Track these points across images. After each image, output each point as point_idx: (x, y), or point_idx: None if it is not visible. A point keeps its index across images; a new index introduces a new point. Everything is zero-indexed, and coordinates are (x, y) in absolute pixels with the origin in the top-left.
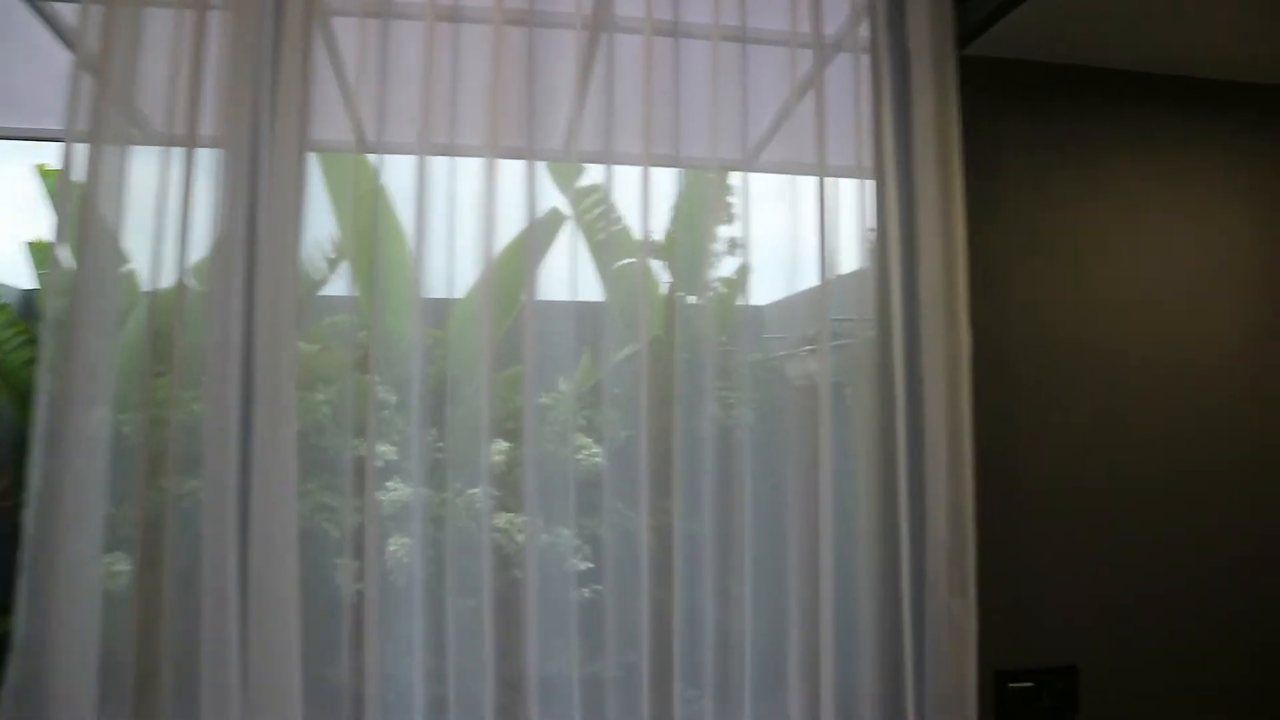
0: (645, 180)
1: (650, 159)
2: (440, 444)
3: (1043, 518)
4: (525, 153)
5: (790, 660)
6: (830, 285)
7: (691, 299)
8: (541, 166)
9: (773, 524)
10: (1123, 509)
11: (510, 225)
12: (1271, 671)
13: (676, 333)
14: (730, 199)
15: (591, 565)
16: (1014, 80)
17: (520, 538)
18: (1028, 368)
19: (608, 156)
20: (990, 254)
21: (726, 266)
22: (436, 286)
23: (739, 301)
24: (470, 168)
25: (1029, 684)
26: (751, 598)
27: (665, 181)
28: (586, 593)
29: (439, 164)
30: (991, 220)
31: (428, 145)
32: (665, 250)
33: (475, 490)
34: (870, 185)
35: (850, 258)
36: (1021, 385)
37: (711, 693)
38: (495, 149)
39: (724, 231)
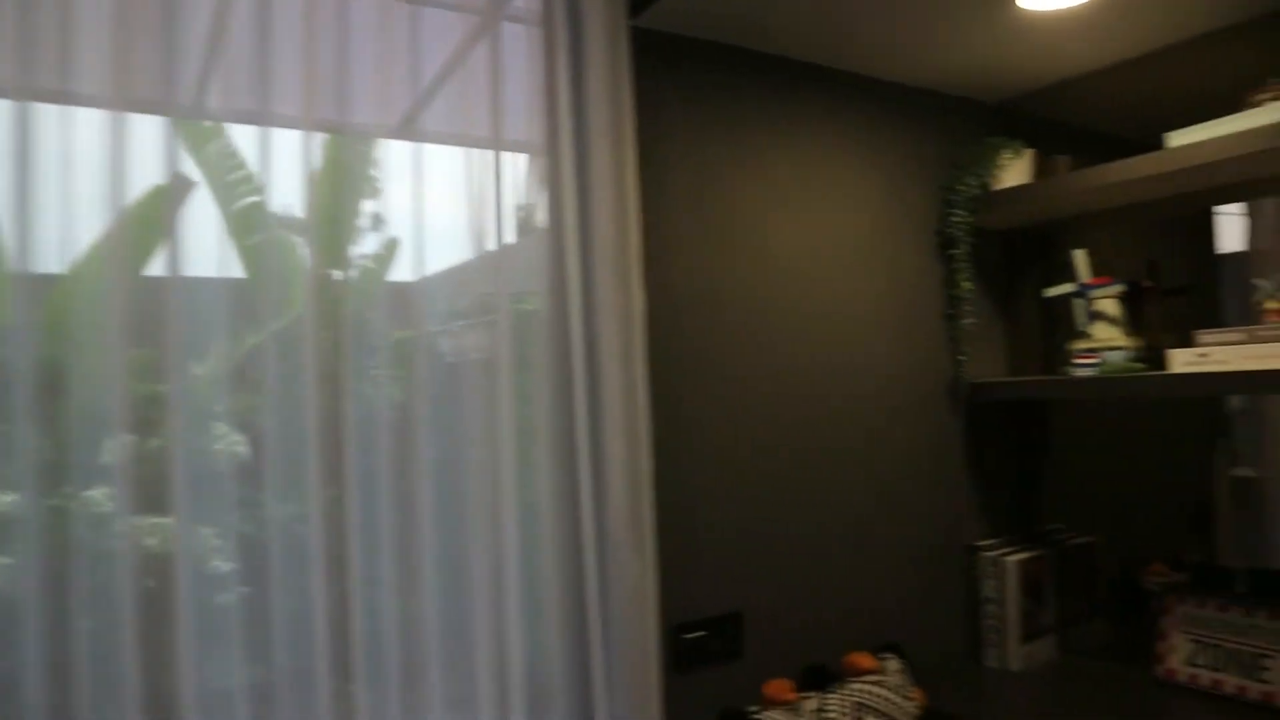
0: (290, 145)
1: (297, 122)
2: (50, 441)
3: (710, 474)
4: (157, 106)
5: (478, 641)
6: (496, 257)
7: (339, 274)
8: (173, 124)
9: (450, 505)
10: (777, 463)
11: (137, 190)
12: (905, 596)
13: (324, 311)
14: (379, 169)
15: (239, 565)
16: (680, 56)
17: (154, 541)
18: (695, 335)
19: (247, 116)
20: (659, 227)
21: (375, 240)
22: (46, 260)
23: (390, 276)
24: (90, 120)
25: (702, 633)
26: (432, 583)
27: (312, 148)
28: (236, 595)
29: (46, 113)
30: (659, 194)
31: (31, 89)
32: (309, 223)
33: (95, 492)
34: (525, 159)
35: (511, 231)
36: (690, 351)
37: (396, 684)
38: (121, 100)
39: (373, 204)
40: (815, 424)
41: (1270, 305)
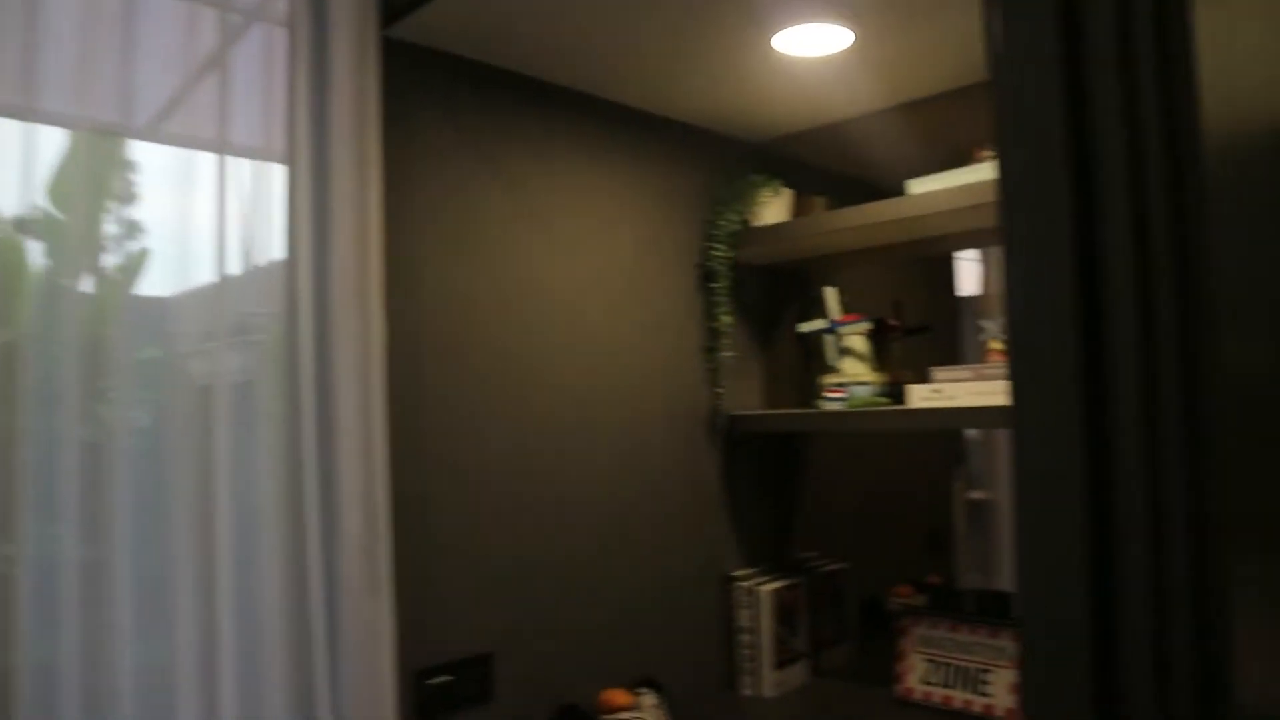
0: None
1: (21, 112)
2: None
3: (458, 508)
4: None
5: (182, 689)
6: (240, 275)
7: (77, 285)
8: None
9: (159, 538)
10: (530, 496)
11: None
12: (645, 630)
13: (56, 324)
14: (134, 174)
15: None
16: (435, 70)
17: None
18: (444, 361)
19: None
20: (406, 247)
21: (122, 250)
22: None
23: (135, 290)
24: None
25: (448, 677)
26: (132, 625)
27: (41, 143)
28: None
29: None
30: (408, 212)
31: None
32: (42, 226)
33: None
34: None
35: (266, 246)
36: (437, 379)
37: None
38: None
39: (120, 210)
40: (571, 456)
41: (994, 345)
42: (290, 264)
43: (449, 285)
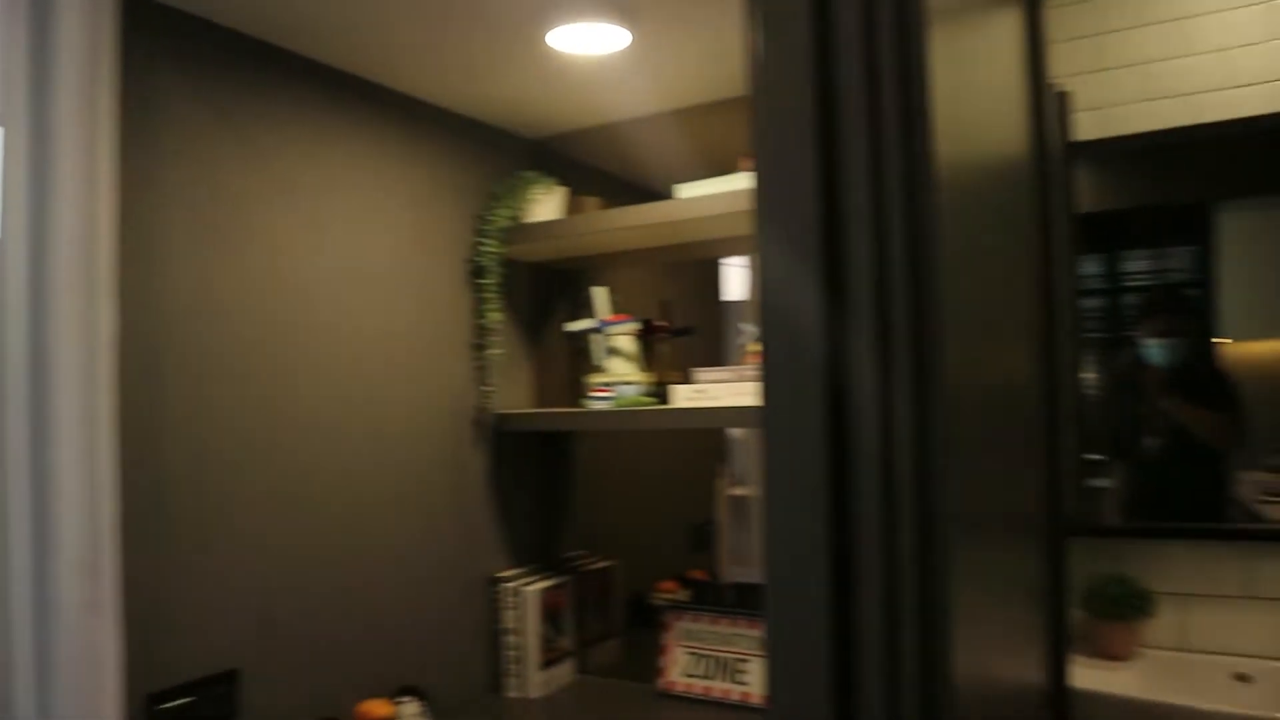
0: None
1: None
2: None
3: (199, 513)
4: None
5: None
6: None
7: None
8: None
9: None
10: (282, 499)
11: None
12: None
13: None
14: None
15: None
16: (187, 38)
17: None
18: (187, 356)
19: None
20: (148, 228)
21: None
22: None
23: None
24: None
25: (188, 699)
26: None
27: None
28: None
29: None
30: (150, 190)
31: None
32: None
33: None
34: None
35: None
36: (179, 375)
37: None
38: None
39: None
40: (327, 456)
41: (753, 348)
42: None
43: (197, 272)
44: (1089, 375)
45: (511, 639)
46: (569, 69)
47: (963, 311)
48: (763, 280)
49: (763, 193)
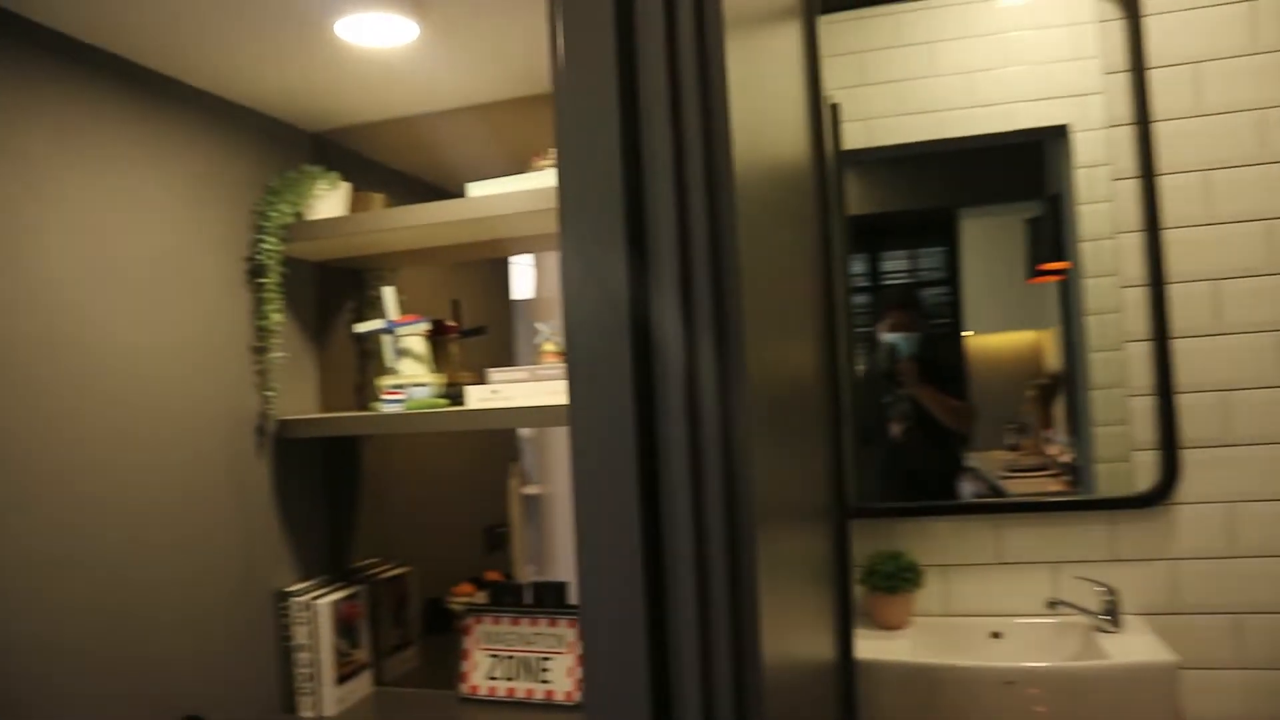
0: None
1: None
2: None
3: None
4: None
5: None
6: None
7: None
8: None
9: None
10: (37, 516)
11: None
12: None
13: None
14: None
15: None
16: None
17: None
18: None
19: None
20: None
21: None
22: None
23: None
24: None
25: None
26: None
27: None
28: None
29: None
30: None
31: None
32: None
33: None
34: None
35: None
36: None
37: None
38: None
39: None
40: (96, 470)
41: (548, 348)
42: None
43: None
44: (856, 367)
45: (304, 655)
46: (356, 61)
47: (761, 307)
48: (568, 279)
49: (567, 193)
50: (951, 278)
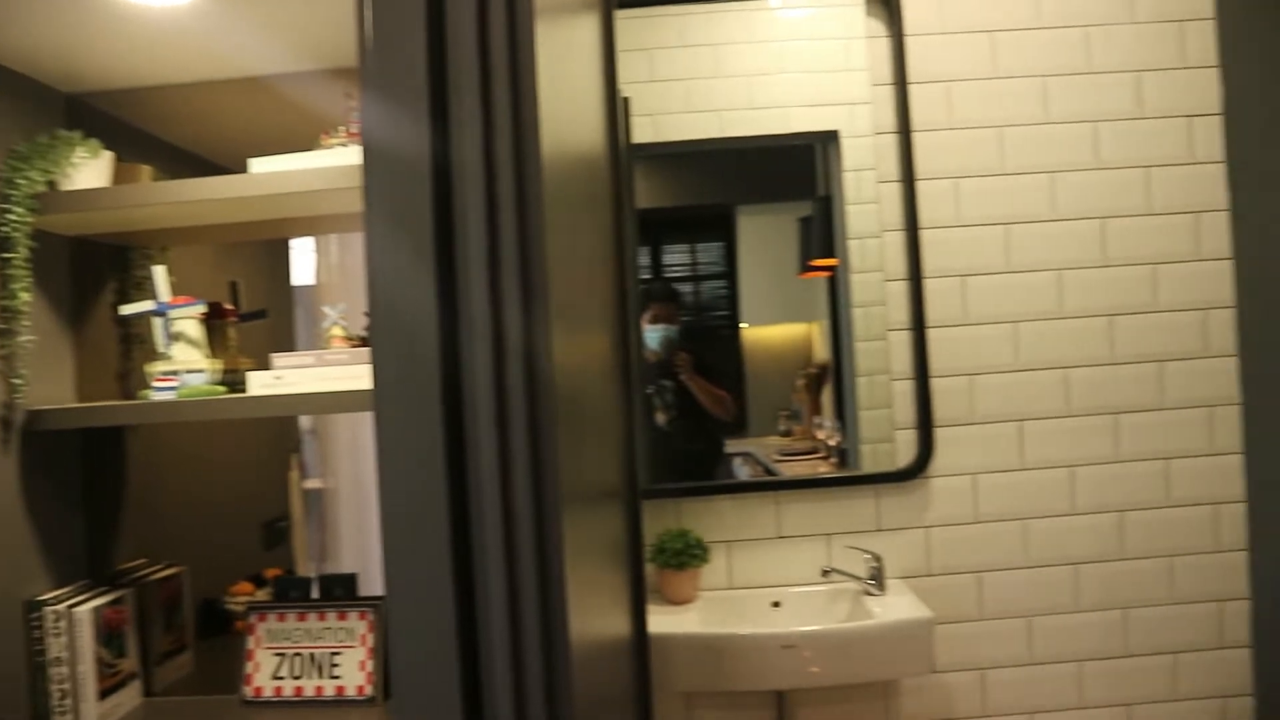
0: None
1: None
2: None
3: None
4: None
5: None
6: None
7: None
8: None
9: None
10: None
11: None
12: None
13: None
14: None
15: None
16: None
17: None
18: None
19: None
20: None
21: None
22: None
23: None
24: None
25: None
26: None
27: None
28: None
29: None
30: None
31: None
32: None
33: None
34: None
35: None
36: None
37: None
38: None
39: None
40: None
41: (336, 332)
42: None
43: None
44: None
45: (60, 670)
46: (122, 18)
47: (566, 296)
48: (374, 265)
49: (374, 178)
50: (730, 272)
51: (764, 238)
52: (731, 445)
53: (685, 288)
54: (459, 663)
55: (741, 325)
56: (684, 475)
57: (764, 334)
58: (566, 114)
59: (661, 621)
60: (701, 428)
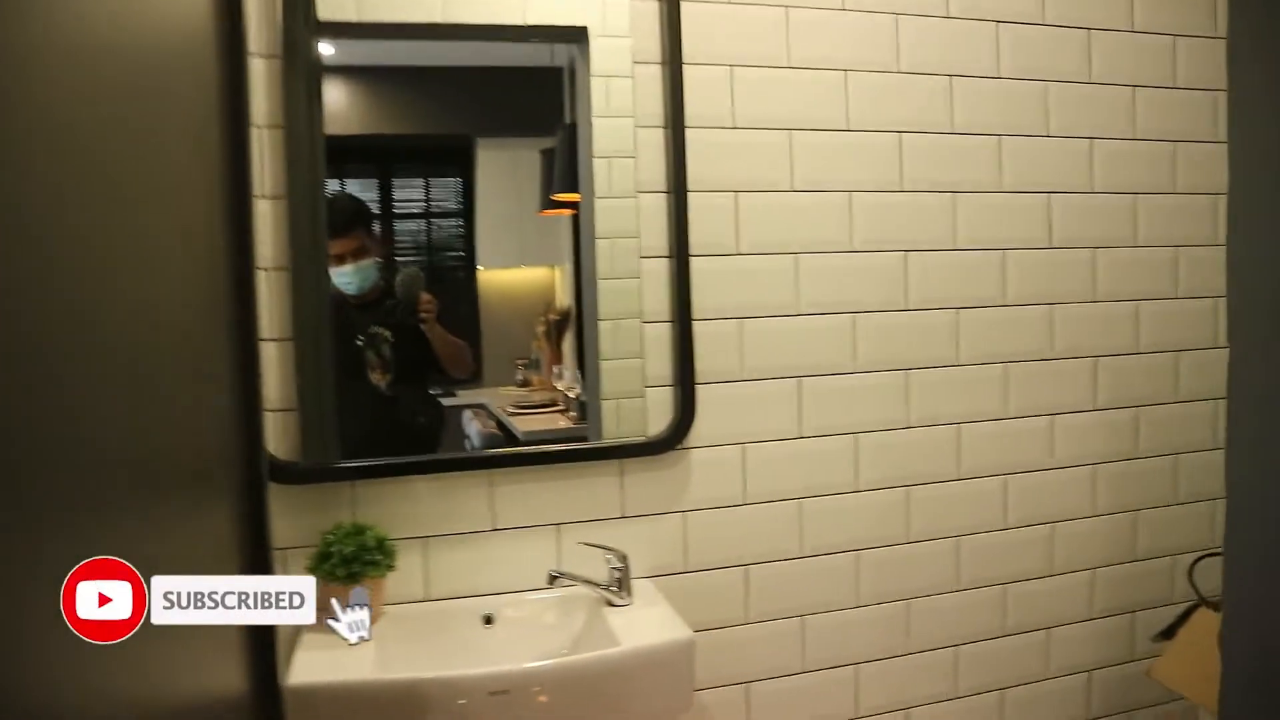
0: None
1: None
2: None
3: None
4: None
5: None
6: None
7: None
8: None
9: None
10: None
11: None
12: None
13: None
14: None
15: None
16: None
17: None
18: None
19: None
20: None
21: None
22: None
23: None
24: None
25: None
26: None
27: None
28: None
29: None
30: None
31: None
32: None
33: None
34: None
35: None
36: None
37: None
38: None
39: None
40: None
41: None
42: None
43: None
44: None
45: None
46: None
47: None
48: None
49: None
50: (467, 210)
51: (504, 173)
52: (463, 396)
53: (416, 225)
54: None
55: (478, 268)
56: (408, 446)
57: (503, 277)
58: None
59: (318, 664)
60: (424, 385)
